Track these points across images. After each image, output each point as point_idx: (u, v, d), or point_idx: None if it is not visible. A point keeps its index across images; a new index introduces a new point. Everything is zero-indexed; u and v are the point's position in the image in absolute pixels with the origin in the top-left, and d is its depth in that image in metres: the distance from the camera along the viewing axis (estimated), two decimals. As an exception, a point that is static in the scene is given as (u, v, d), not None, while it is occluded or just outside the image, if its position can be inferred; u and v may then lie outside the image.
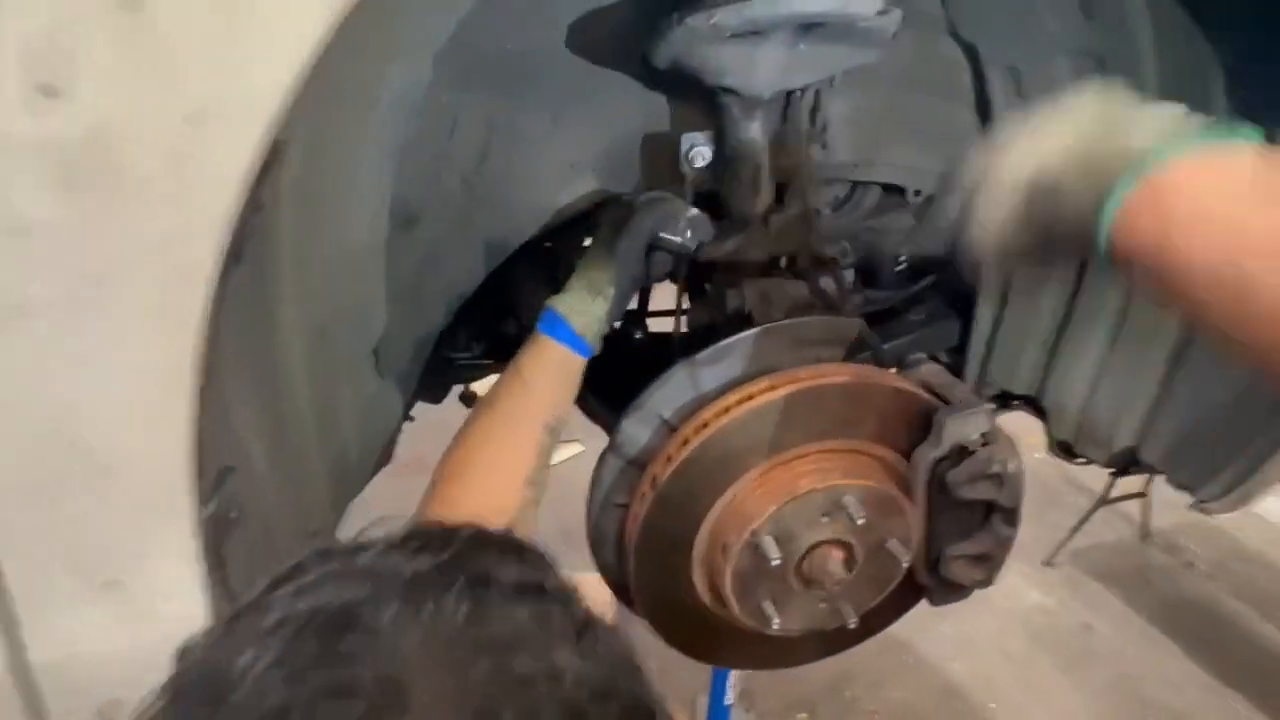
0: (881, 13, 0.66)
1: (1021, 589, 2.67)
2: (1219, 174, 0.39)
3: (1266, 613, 2.48)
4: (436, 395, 1.25)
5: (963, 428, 0.70)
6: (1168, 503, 2.74)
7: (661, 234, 0.73)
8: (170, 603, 0.43)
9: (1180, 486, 0.95)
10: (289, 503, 0.64)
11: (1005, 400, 1.20)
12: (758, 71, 0.71)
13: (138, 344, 0.34)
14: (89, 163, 0.30)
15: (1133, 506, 2.80)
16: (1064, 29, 0.85)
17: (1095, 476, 2.77)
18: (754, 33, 0.66)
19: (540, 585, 0.30)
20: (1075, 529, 2.76)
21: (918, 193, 1.10)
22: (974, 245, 0.51)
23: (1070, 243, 0.45)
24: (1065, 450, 1.10)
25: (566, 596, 0.31)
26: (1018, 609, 2.56)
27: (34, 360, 0.33)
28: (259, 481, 0.54)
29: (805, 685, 2.05)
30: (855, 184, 1.12)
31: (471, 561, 0.29)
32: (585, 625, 0.29)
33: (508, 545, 0.32)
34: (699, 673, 1.62)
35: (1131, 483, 2.86)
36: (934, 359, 1.26)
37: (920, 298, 1.23)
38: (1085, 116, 0.47)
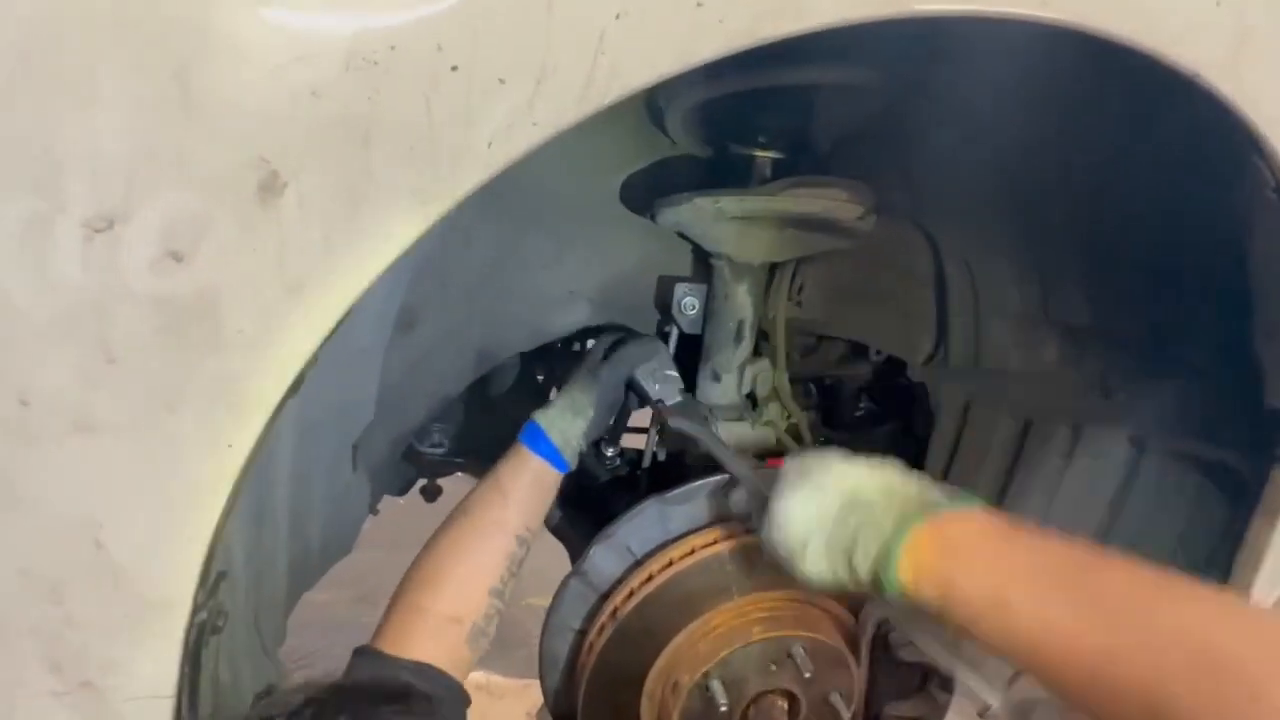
0: (860, 218, 0.76)
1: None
2: (996, 530, 0.50)
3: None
4: (402, 487, 1.25)
5: (907, 591, 0.74)
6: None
7: (636, 376, 0.78)
8: (135, 709, 0.43)
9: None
10: (249, 601, 0.64)
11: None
12: (749, 246, 0.81)
13: (188, 466, 0.37)
14: (191, 315, 0.34)
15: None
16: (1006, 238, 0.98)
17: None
18: (753, 218, 0.76)
19: None
20: (1011, 680, 2.76)
21: (878, 352, 1.20)
22: (780, 537, 0.57)
23: (870, 560, 0.53)
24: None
25: None
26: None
27: (86, 470, 0.36)
28: (238, 584, 0.54)
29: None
30: (822, 337, 1.22)
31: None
32: None
33: (395, 696, 0.36)
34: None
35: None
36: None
37: (875, 443, 1.32)
38: (886, 467, 0.57)
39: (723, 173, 0.84)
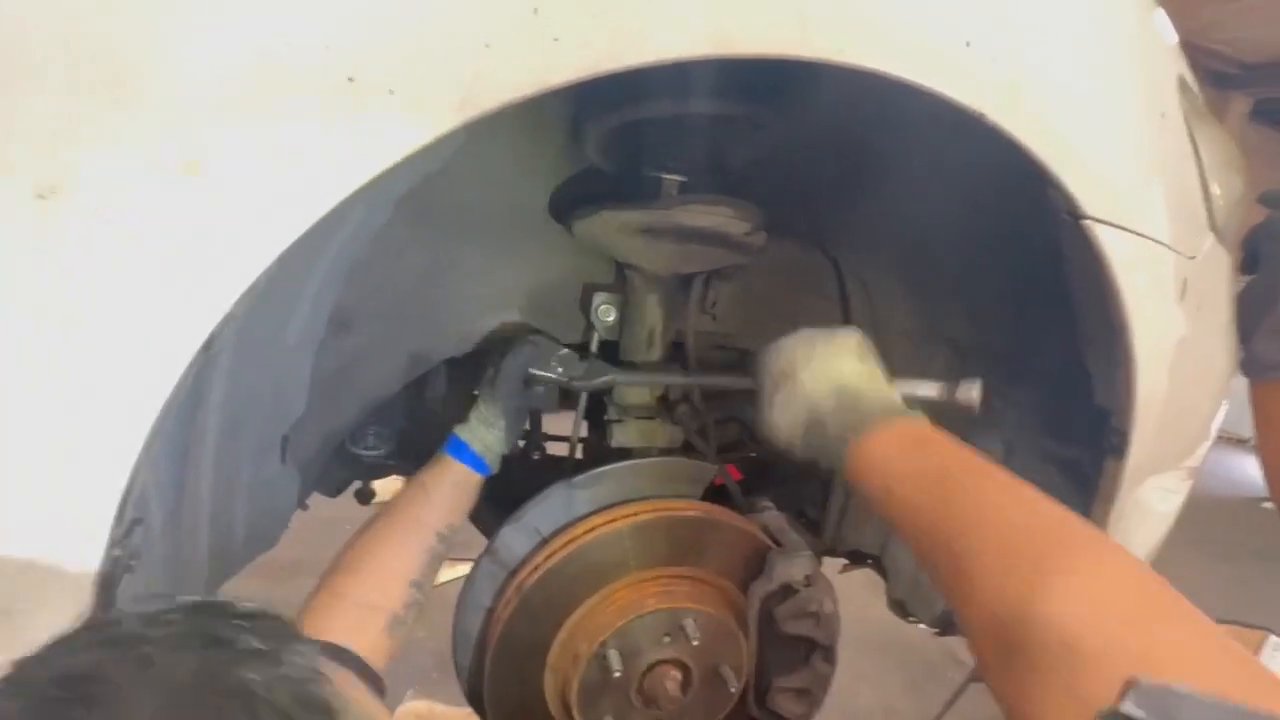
0: (748, 233, 0.86)
1: (896, 760, 2.69)
2: (900, 441, 0.62)
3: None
4: (334, 489, 1.29)
5: (789, 568, 0.82)
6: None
7: (534, 370, 0.86)
8: (49, 637, 0.48)
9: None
10: (170, 566, 0.68)
11: (859, 558, 1.35)
12: (655, 258, 0.90)
13: (110, 406, 0.43)
14: (120, 271, 0.40)
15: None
16: (893, 261, 1.09)
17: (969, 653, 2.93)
18: (655, 231, 0.85)
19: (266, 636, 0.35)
20: (949, 703, 2.85)
21: (791, 366, 1.30)
22: (768, 436, 0.72)
23: (827, 460, 0.67)
24: (900, 608, 1.24)
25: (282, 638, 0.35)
26: (889, 780, 2.57)
27: (19, 396, 0.42)
28: (153, 538, 0.59)
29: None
30: (745, 351, 1.32)
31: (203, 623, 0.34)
32: (280, 646, 0.35)
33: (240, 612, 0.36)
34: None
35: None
36: (802, 513, 1.42)
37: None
38: (846, 364, 0.71)
39: (638, 190, 0.93)
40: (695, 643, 0.77)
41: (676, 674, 0.79)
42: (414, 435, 1.26)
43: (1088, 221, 0.66)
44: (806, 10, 0.51)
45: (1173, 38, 0.78)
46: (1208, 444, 1.04)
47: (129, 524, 0.49)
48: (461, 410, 0.98)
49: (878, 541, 1.27)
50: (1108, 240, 0.68)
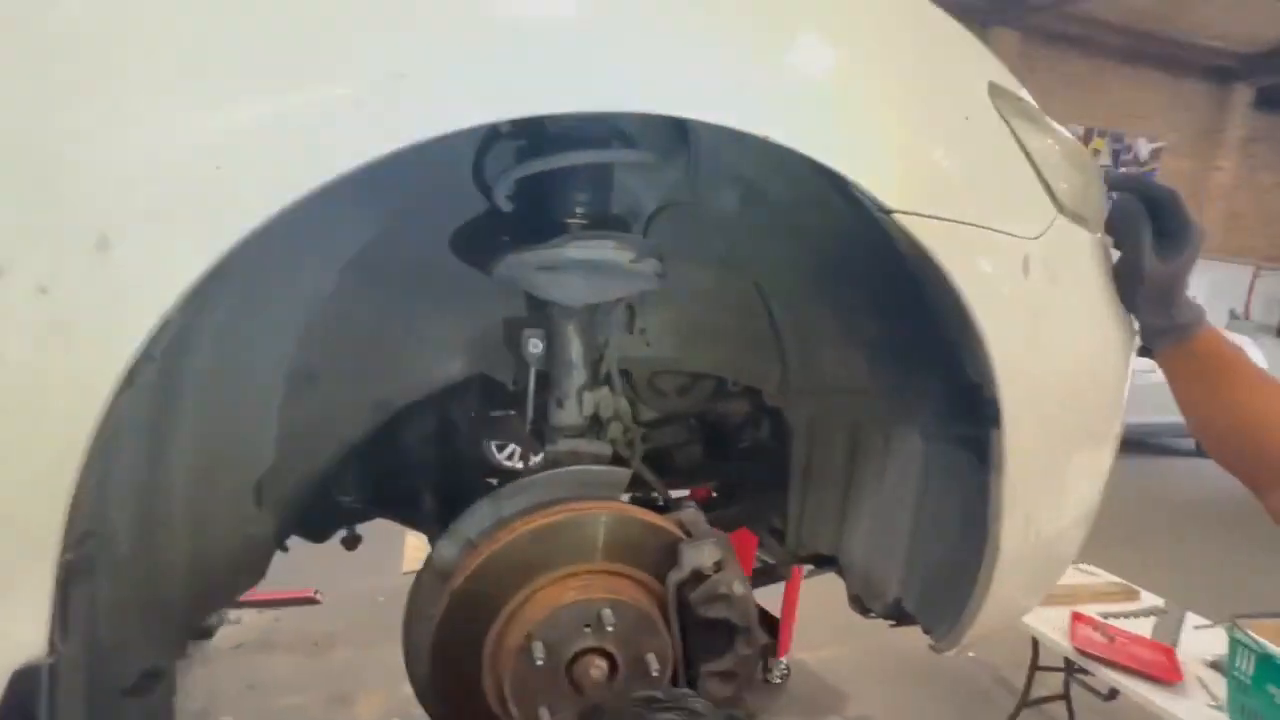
0: (635, 260, 0.97)
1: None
2: None
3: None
4: (320, 535, 1.40)
5: (698, 555, 0.89)
6: (1090, 706, 2.79)
7: None
8: (18, 628, 0.59)
9: (926, 631, 1.12)
10: (144, 590, 0.79)
11: (823, 561, 1.39)
12: (564, 291, 1.01)
13: (50, 434, 0.55)
14: (52, 329, 0.54)
15: (1058, 709, 2.84)
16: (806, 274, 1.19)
17: (1021, 678, 2.82)
18: (554, 268, 0.97)
19: None
20: (1005, 732, 2.75)
21: (735, 383, 1.39)
22: None
23: None
24: (859, 604, 1.28)
25: None
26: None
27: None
28: (119, 559, 0.70)
29: None
30: (697, 376, 1.41)
31: None
32: None
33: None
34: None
35: (1053, 684, 2.91)
36: (771, 526, 1.47)
37: (759, 472, 1.48)
38: None
39: (547, 230, 1.06)
40: (610, 629, 0.85)
41: (601, 662, 0.86)
42: (393, 481, 1.38)
43: (896, 215, 0.76)
44: (597, 66, 0.64)
45: (977, 47, 0.89)
46: (1122, 412, 1.08)
47: (80, 535, 0.61)
48: (436, 455, 1.07)
49: (834, 543, 1.33)
50: (921, 229, 0.77)
